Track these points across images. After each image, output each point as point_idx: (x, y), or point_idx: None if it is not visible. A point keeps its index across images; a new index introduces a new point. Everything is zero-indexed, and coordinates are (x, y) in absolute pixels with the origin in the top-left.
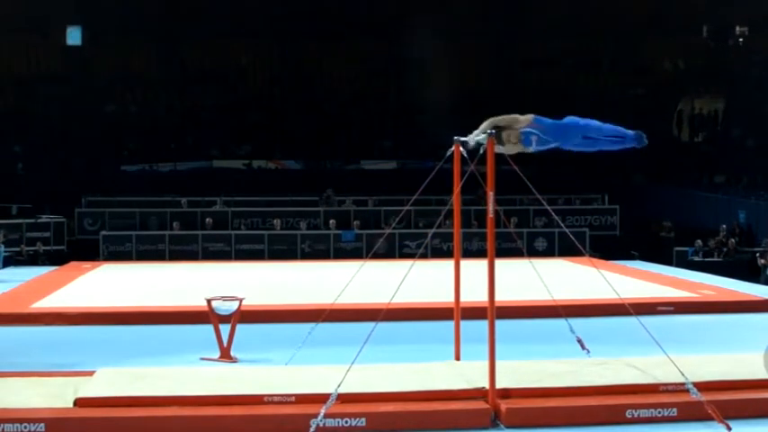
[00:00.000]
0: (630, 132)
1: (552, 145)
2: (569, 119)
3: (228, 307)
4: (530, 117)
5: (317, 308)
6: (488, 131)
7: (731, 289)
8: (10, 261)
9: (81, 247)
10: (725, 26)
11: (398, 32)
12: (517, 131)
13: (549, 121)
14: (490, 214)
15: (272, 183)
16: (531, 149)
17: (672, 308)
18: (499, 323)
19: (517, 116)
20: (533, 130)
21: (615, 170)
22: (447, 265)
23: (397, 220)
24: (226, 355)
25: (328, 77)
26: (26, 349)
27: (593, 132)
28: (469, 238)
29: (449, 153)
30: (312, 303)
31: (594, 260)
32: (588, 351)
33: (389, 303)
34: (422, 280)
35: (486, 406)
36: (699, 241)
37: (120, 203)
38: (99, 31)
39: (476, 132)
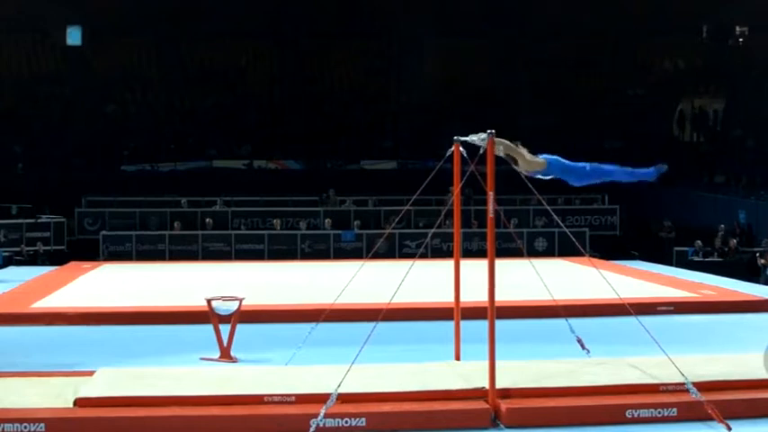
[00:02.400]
0: (650, 170)
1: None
2: (588, 167)
3: (228, 307)
4: (540, 162)
5: (317, 308)
6: (489, 132)
7: (731, 289)
8: (10, 261)
9: (81, 247)
10: (725, 26)
11: (399, 32)
12: (524, 165)
13: (566, 164)
14: (490, 214)
15: (272, 183)
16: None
17: (672, 308)
18: (499, 323)
19: (530, 158)
20: (539, 172)
21: None
22: (447, 265)
23: (397, 220)
24: (226, 355)
25: (328, 77)
26: (26, 349)
27: (605, 176)
28: (469, 238)
29: (449, 153)
30: (312, 303)
31: (594, 260)
32: (588, 351)
33: (389, 303)
34: (422, 280)
35: (486, 406)
36: (699, 241)
37: (120, 203)
38: (99, 31)
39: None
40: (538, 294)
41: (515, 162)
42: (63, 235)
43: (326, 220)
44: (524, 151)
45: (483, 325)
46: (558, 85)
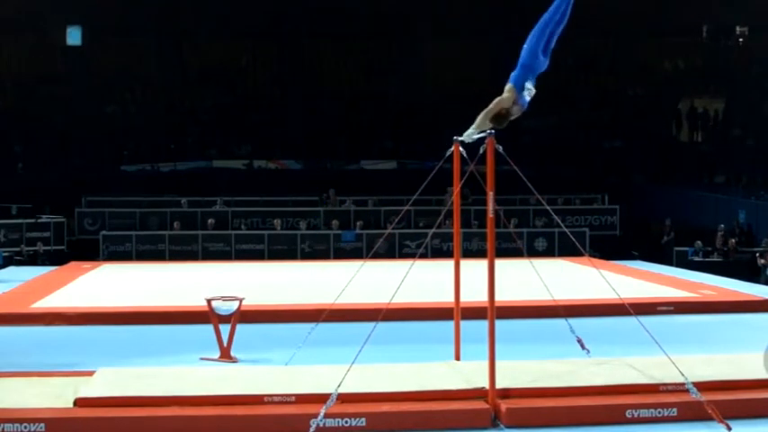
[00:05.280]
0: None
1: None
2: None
3: (228, 307)
4: (509, 87)
5: (317, 308)
6: (488, 131)
7: (731, 289)
8: (10, 261)
9: (81, 247)
10: (725, 26)
11: (398, 32)
12: (512, 106)
13: (524, 63)
14: (490, 214)
15: (272, 183)
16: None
17: (672, 308)
18: (499, 323)
19: (499, 99)
20: (525, 93)
21: (615, 170)
22: (447, 265)
23: (397, 220)
24: (226, 355)
25: (328, 78)
26: (26, 349)
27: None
28: (469, 238)
29: (448, 153)
30: (312, 303)
31: (594, 260)
32: (588, 351)
33: (389, 303)
34: (422, 280)
35: (486, 406)
36: (699, 242)
37: (120, 203)
38: (99, 31)
39: (472, 129)
40: (538, 294)
41: (504, 116)
42: (63, 235)
43: (333, 221)
44: (491, 105)
45: (483, 325)
46: (558, 85)
